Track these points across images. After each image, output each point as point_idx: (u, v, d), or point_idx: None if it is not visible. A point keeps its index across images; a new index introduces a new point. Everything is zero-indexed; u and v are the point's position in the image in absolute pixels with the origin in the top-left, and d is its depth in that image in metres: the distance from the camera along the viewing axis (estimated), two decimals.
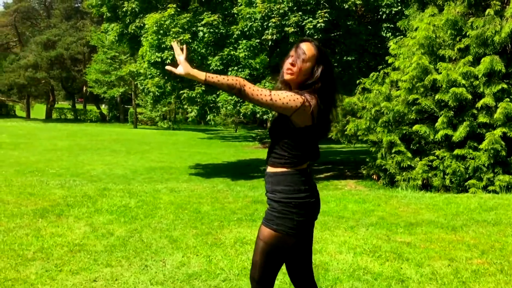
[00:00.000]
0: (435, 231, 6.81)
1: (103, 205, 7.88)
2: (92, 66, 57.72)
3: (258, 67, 17.67)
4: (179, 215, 7.47)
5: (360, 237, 6.43)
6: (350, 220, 7.47)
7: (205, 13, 18.52)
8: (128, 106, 66.04)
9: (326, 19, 16.30)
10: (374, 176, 16.16)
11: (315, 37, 16.42)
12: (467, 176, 13.46)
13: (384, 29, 17.89)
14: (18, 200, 8.08)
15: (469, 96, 13.22)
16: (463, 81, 13.27)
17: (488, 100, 13.00)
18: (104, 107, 74.98)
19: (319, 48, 3.24)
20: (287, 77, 3.21)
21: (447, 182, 13.78)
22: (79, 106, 79.70)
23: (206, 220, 7.24)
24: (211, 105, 18.78)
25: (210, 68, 17.97)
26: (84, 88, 68.14)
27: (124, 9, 20.19)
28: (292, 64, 3.19)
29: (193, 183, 10.94)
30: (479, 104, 13.15)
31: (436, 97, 13.68)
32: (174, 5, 18.62)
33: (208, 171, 21.37)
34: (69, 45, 65.54)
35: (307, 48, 3.20)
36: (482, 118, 13.15)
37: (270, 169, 3.23)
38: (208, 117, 19.49)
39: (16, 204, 7.75)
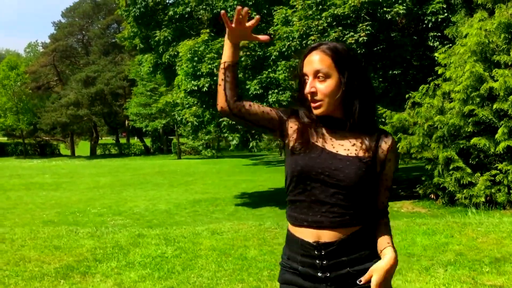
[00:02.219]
0: None
1: (136, 257, 6.99)
2: (132, 100, 57.71)
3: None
4: (222, 264, 6.55)
5: (440, 282, 5.42)
6: (423, 259, 6.44)
7: None
8: (171, 137, 65.89)
9: (368, 31, 15.41)
10: (432, 196, 15.11)
11: (358, 52, 15.59)
12: None
13: (430, 38, 16.93)
14: (41, 256, 7.23)
15: None
16: None
17: None
18: (147, 139, 75.03)
19: (334, 49, 2.40)
20: (317, 112, 2.41)
21: None
22: (122, 140, 79.95)
23: (253, 269, 6.30)
24: (253, 132, 18.00)
25: (250, 92, 17.27)
26: (126, 122, 68.23)
27: (156, 39, 19.71)
28: (313, 93, 2.38)
29: (237, 221, 9.96)
30: None
31: (494, 106, 12.72)
32: (208, 30, 18.02)
33: (255, 200, 20.53)
34: (108, 80, 65.74)
35: (319, 59, 2.38)
36: None
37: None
38: (251, 144, 18.69)
39: (38, 262, 6.90)
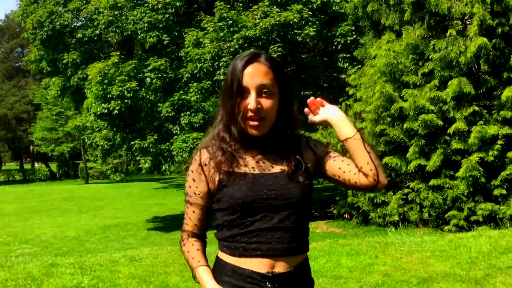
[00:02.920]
0: (456, 287, 5.79)
1: None
2: (37, 124, 56.19)
3: (211, 109, 16.75)
4: None
5: None
6: (350, 281, 6.38)
7: (151, 58, 17.63)
8: (78, 161, 64.37)
9: (280, 53, 15.50)
10: (346, 215, 15.24)
11: None
12: (446, 208, 12.68)
13: (340, 59, 17.22)
14: None
15: (440, 122, 12.50)
16: (432, 107, 12.55)
17: (460, 124, 12.26)
18: (53, 164, 73.04)
19: (275, 63, 2.25)
20: (256, 132, 2.18)
21: (425, 215, 13.01)
22: (27, 165, 77.64)
23: None
24: (165, 154, 17.72)
25: (162, 115, 17.06)
26: (31, 147, 66.34)
27: (64, 61, 19.33)
28: (258, 110, 2.15)
29: (156, 247, 9.65)
30: (451, 130, 12.41)
31: (405, 126, 12.93)
32: (118, 53, 17.72)
33: (167, 223, 20.14)
34: (12, 104, 63.97)
35: (264, 72, 2.19)
36: (455, 145, 12.39)
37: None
38: (163, 167, 18.36)
39: None
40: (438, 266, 6.86)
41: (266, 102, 2.16)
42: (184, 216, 2.37)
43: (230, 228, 2.21)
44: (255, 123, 2.16)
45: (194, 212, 2.31)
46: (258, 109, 2.14)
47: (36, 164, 75.09)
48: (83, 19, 19.91)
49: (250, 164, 2.22)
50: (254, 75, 2.16)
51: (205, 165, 2.26)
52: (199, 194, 2.28)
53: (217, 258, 2.29)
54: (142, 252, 8.71)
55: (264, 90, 2.16)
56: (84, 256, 8.83)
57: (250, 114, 2.15)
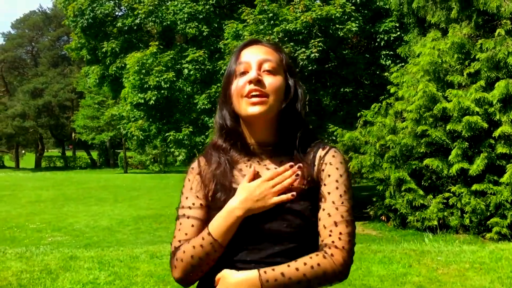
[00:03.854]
0: None
1: (65, 283, 6.33)
2: (79, 112, 56.71)
3: None
4: None
5: None
6: None
7: (190, 49, 17.39)
8: (118, 151, 64.85)
9: (320, 48, 15.10)
10: (383, 217, 14.77)
11: (309, 68, 15.30)
12: (488, 214, 12.14)
13: (383, 56, 16.79)
14: None
15: (485, 125, 11.95)
16: (477, 109, 12.02)
17: (506, 128, 11.75)
18: (94, 153, 73.81)
19: (280, 47, 1.93)
20: (257, 110, 1.80)
21: (466, 221, 12.46)
22: (69, 153, 78.59)
23: None
24: (200, 147, 17.49)
25: (198, 107, 16.82)
26: (73, 135, 67.06)
27: (103, 50, 19.19)
28: (259, 82, 1.81)
29: None
30: (496, 133, 11.89)
31: (448, 127, 12.43)
32: (157, 43, 17.54)
33: None
34: (56, 92, 64.67)
35: (266, 51, 1.86)
36: (501, 149, 11.87)
37: None
38: None
39: None
40: (477, 280, 6.40)
41: (269, 78, 1.82)
42: (174, 234, 1.97)
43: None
44: (255, 99, 1.80)
45: (193, 226, 1.90)
46: (259, 81, 1.80)
47: (77, 152, 75.98)
48: (124, 8, 19.78)
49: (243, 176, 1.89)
50: (255, 51, 1.86)
51: (204, 173, 1.94)
52: (199, 206, 1.92)
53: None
54: (164, 248, 8.41)
55: (267, 67, 1.83)
56: (106, 250, 8.58)
57: (250, 87, 1.80)
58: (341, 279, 1.77)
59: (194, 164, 1.99)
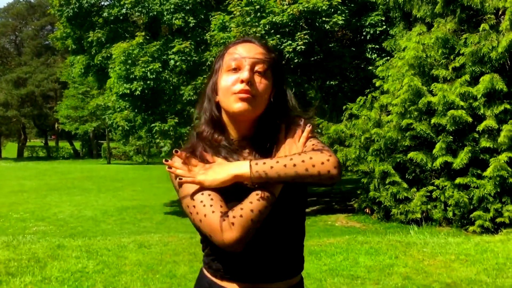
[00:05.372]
0: None
1: (53, 272, 6.35)
2: (63, 102, 56.39)
3: None
4: (149, 282, 6.00)
5: None
6: (367, 283, 6.05)
7: (176, 40, 17.35)
8: (102, 141, 64.60)
9: (306, 41, 15.15)
10: (367, 210, 14.86)
11: (296, 61, 15.35)
12: (471, 207, 12.26)
13: (368, 50, 16.85)
14: None
15: (469, 119, 12.05)
16: (461, 103, 12.12)
17: (490, 122, 11.85)
18: (77, 143, 73.49)
19: (270, 47, 1.97)
20: (243, 106, 1.83)
21: (450, 214, 12.59)
22: (52, 143, 78.15)
23: None
24: (185, 138, 17.47)
25: (183, 98, 16.80)
26: (56, 125, 66.67)
27: (89, 40, 19.07)
28: (250, 84, 1.83)
29: (167, 233, 9.39)
30: (480, 127, 12.00)
31: (432, 121, 12.54)
32: (143, 33, 17.48)
33: None
34: (40, 82, 64.24)
35: (259, 52, 1.89)
36: (484, 143, 11.98)
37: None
38: None
39: None
40: (462, 271, 6.48)
41: (260, 81, 1.86)
42: (198, 211, 1.83)
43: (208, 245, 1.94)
44: (243, 95, 1.83)
45: (210, 195, 1.81)
46: (250, 83, 1.84)
47: (60, 142, 75.56)
48: None
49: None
50: (249, 50, 1.90)
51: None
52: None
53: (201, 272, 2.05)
54: (152, 238, 8.46)
55: (259, 68, 1.87)
56: (93, 239, 8.60)
57: (241, 86, 1.83)
58: (332, 178, 1.76)
59: (179, 153, 1.98)
